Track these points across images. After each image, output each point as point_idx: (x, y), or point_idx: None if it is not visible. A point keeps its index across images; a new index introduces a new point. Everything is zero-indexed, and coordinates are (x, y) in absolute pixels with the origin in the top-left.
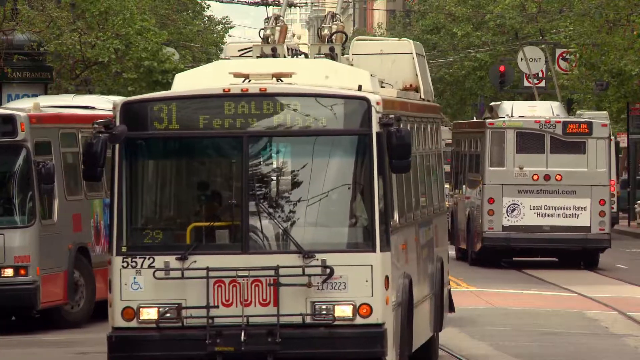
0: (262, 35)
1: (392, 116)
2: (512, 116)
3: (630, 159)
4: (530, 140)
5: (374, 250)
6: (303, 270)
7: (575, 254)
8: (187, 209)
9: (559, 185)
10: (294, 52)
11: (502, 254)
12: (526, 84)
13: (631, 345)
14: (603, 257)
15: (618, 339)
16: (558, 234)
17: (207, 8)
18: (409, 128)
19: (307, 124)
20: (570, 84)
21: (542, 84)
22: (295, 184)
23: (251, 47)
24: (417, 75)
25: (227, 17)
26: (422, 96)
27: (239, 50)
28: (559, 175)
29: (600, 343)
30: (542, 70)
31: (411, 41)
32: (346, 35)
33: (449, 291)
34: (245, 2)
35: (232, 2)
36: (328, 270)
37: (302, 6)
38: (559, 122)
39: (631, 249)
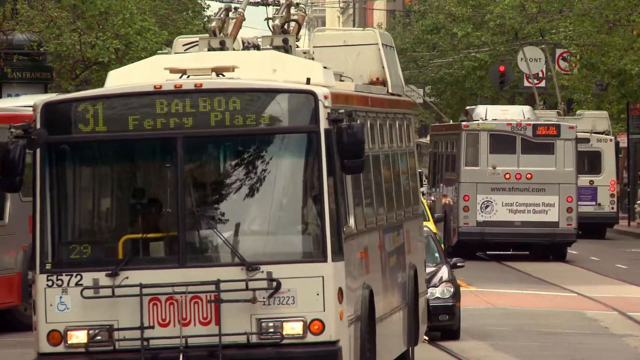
0: (208, 28)
1: (342, 111)
2: (485, 119)
3: (630, 159)
4: (502, 141)
5: (325, 260)
6: (247, 285)
7: (545, 247)
8: (118, 220)
9: (529, 183)
10: (251, 46)
11: (476, 248)
12: (526, 84)
13: (631, 345)
14: (603, 256)
15: (618, 339)
16: (528, 229)
17: (207, 8)
18: (369, 124)
19: (248, 122)
20: (570, 84)
21: (542, 84)
22: (236, 189)
23: (197, 41)
24: (384, 67)
25: None
26: (390, 90)
27: (184, 45)
28: (529, 174)
29: (600, 343)
30: (542, 70)
31: (377, 31)
32: (299, 24)
33: (427, 301)
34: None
35: (232, 2)
36: (274, 284)
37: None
38: (529, 124)
39: (631, 249)
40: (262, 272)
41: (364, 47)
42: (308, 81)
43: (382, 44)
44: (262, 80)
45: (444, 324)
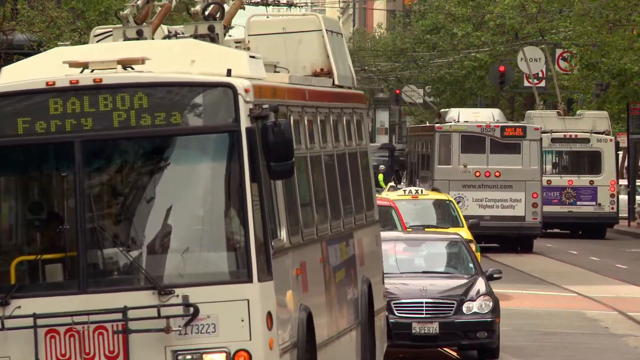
0: (120, 15)
1: (266, 106)
2: (458, 121)
3: (630, 159)
4: (473, 142)
5: (249, 281)
6: (159, 311)
7: (513, 239)
8: (9, 239)
9: (498, 180)
10: (172, 36)
11: None
12: (526, 84)
13: (631, 345)
14: (603, 256)
15: (618, 339)
16: (497, 223)
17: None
18: (306, 121)
19: (157, 122)
20: (570, 84)
21: (542, 84)
22: (145, 201)
23: (111, 31)
24: (329, 56)
25: None
26: (337, 82)
27: (96, 36)
28: (498, 172)
29: (600, 343)
30: (542, 70)
31: (320, 16)
32: (223, 8)
33: (387, 317)
34: (245, 2)
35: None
36: (191, 310)
37: (302, 6)
38: (498, 126)
39: (631, 249)
40: (177, 296)
41: (305, 35)
42: (229, 73)
43: (327, 30)
44: (179, 72)
45: (482, 341)
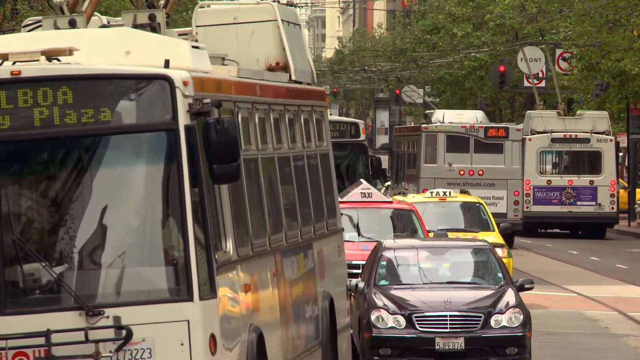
0: (52, 3)
1: (208, 101)
2: (443, 122)
3: (630, 159)
4: (457, 142)
5: (190, 299)
6: (86, 335)
7: None
8: None
9: (481, 179)
10: (109, 27)
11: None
12: (526, 84)
13: (631, 345)
14: (603, 256)
15: (618, 339)
16: None
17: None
18: (257, 119)
19: (84, 119)
20: (570, 85)
21: (542, 84)
22: (71, 210)
23: (41, 20)
24: (284, 49)
25: None
26: (294, 77)
27: (24, 27)
28: (481, 170)
29: (600, 343)
30: (542, 70)
31: (275, 4)
32: None
33: (351, 335)
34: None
35: (231, 2)
36: (124, 332)
37: (302, 6)
38: (481, 127)
39: (631, 249)
40: (108, 317)
41: (259, 25)
42: (167, 64)
43: (283, 21)
44: (112, 64)
45: (512, 358)
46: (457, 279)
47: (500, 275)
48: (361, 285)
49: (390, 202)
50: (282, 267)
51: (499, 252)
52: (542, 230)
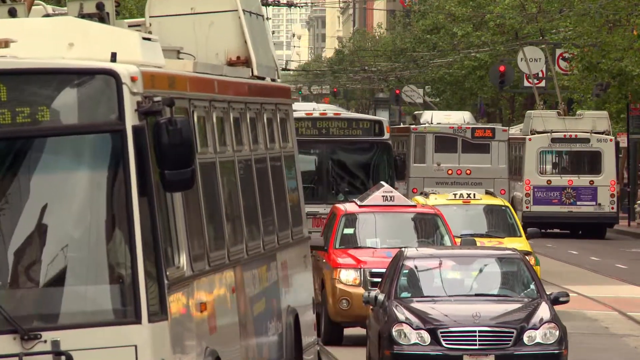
0: None
1: (159, 99)
2: (431, 123)
3: (630, 159)
4: (445, 142)
5: (137, 321)
6: None
7: None
8: None
9: (469, 178)
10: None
11: None
12: (526, 84)
13: (631, 345)
14: (603, 256)
15: (618, 339)
16: None
17: None
18: (215, 118)
19: (19, 119)
20: (570, 84)
21: (542, 84)
22: (6, 221)
23: None
24: (246, 42)
25: None
26: (256, 72)
27: None
28: (469, 170)
29: (600, 343)
30: (542, 70)
31: None
32: None
33: (318, 353)
34: None
35: None
36: (64, 359)
37: (302, 6)
38: (469, 128)
39: (631, 249)
40: (45, 341)
41: (218, 16)
42: (114, 57)
43: (245, 11)
44: (48, 58)
45: None
46: (486, 290)
47: (532, 287)
48: (381, 297)
49: (414, 206)
50: (243, 282)
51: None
52: (542, 230)
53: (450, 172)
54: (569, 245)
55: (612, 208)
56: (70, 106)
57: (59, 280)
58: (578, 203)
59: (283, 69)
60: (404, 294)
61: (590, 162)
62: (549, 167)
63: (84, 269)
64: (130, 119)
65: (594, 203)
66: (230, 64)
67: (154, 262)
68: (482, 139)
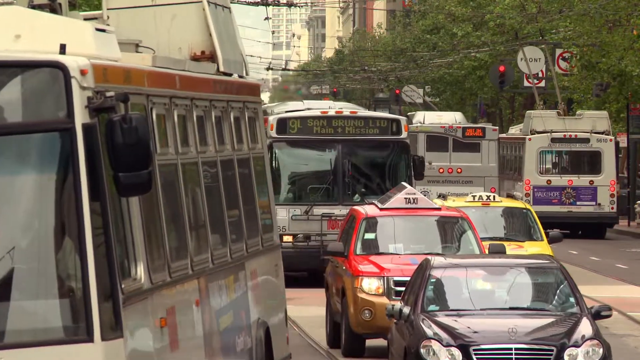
0: None
1: (111, 94)
2: (423, 123)
3: (630, 159)
4: (437, 141)
5: (89, 339)
6: None
7: None
8: None
9: (460, 176)
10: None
11: None
12: (526, 84)
13: (631, 345)
14: (603, 256)
15: (618, 339)
16: None
17: None
18: (176, 116)
19: None
20: (570, 85)
21: (542, 84)
22: None
23: None
24: (211, 35)
25: None
26: (222, 68)
27: None
28: (460, 168)
29: None
30: (542, 70)
31: None
32: None
33: None
34: (245, 2)
35: (232, 2)
36: None
37: (301, 6)
38: (460, 127)
39: (631, 249)
40: None
41: (181, 8)
42: (63, 49)
43: (210, 3)
44: None
45: None
46: (521, 304)
47: (572, 299)
48: (406, 310)
49: (439, 209)
50: (208, 294)
51: None
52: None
53: (441, 170)
54: (568, 246)
55: (612, 208)
56: (13, 102)
57: (3, 294)
58: (578, 203)
59: (283, 69)
60: (432, 307)
61: (590, 162)
62: (549, 167)
63: (30, 282)
64: (80, 116)
65: (593, 203)
66: (195, 58)
67: (108, 274)
68: (473, 138)
